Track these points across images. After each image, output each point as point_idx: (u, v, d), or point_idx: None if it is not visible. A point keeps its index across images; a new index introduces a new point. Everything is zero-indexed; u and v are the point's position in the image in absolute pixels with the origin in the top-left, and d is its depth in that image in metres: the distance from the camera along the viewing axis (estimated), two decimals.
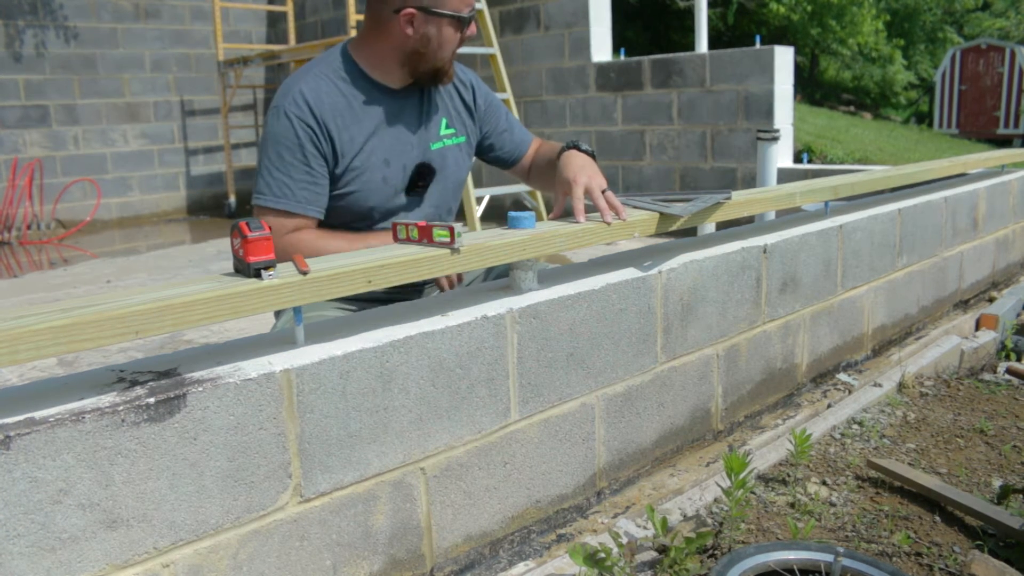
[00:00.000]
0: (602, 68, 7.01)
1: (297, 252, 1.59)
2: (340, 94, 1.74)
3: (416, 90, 1.85)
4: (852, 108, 19.02)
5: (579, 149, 1.82)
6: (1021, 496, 1.80)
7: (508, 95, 6.30)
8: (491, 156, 2.06)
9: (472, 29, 1.77)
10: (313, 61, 1.80)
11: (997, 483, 1.89)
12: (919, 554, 1.60)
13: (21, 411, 1.02)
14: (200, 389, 1.11)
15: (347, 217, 1.78)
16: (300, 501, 1.23)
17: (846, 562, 1.42)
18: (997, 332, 2.96)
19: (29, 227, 8.41)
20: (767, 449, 2.00)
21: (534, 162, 2.07)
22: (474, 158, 2.04)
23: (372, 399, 1.30)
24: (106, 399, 1.06)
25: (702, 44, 7.14)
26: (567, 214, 1.72)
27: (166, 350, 3.57)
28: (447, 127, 1.91)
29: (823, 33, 18.24)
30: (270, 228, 1.69)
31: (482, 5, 6.35)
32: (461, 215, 6.23)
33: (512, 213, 1.58)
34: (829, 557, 1.44)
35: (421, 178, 1.84)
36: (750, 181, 6.11)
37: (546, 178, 1.99)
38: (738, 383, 2.06)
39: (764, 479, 1.90)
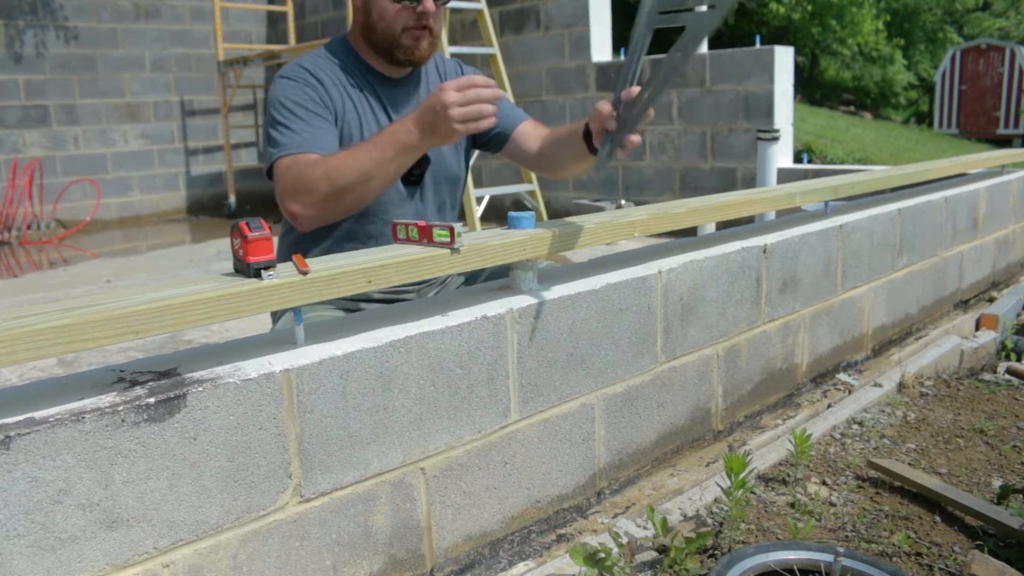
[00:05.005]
0: (602, 68, 7.01)
1: (306, 176, 1.56)
2: (337, 71, 1.77)
3: (414, 80, 1.86)
4: (852, 108, 19.03)
5: None
6: (1021, 496, 1.80)
7: (508, 95, 6.30)
8: (482, 141, 2.00)
9: (426, 4, 1.68)
10: (313, 49, 1.84)
11: (997, 483, 1.90)
12: (919, 554, 1.60)
13: (21, 411, 1.02)
14: (200, 389, 1.11)
15: None
16: (300, 501, 1.23)
17: (846, 562, 1.42)
18: (997, 332, 2.96)
19: (29, 227, 8.41)
20: (767, 449, 2.00)
21: (549, 140, 1.90)
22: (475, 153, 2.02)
23: (372, 399, 1.30)
24: (106, 399, 1.06)
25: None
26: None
27: (166, 350, 3.57)
28: None
29: (823, 33, 18.26)
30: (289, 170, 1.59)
31: (482, 5, 6.34)
32: (461, 215, 6.23)
33: (512, 213, 1.58)
34: (829, 557, 1.44)
35: (417, 166, 1.82)
36: (750, 181, 6.12)
37: (567, 149, 1.82)
38: (738, 383, 2.06)
39: (764, 479, 1.90)
